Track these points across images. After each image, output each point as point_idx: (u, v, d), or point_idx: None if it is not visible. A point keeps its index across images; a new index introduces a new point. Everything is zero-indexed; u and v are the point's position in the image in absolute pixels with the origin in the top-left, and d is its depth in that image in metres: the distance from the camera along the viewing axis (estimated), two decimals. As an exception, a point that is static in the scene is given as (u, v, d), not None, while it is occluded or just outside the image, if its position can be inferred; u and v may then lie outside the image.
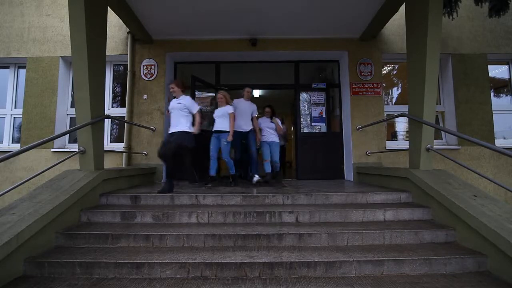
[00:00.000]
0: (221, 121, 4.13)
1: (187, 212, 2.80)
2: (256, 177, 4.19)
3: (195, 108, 3.70)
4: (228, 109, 4.14)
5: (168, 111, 3.81)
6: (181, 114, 3.62)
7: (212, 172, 4.15)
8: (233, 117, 4.11)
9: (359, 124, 5.03)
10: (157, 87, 5.13)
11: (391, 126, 5.76)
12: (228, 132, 4.07)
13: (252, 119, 4.50)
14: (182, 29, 4.87)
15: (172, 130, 3.65)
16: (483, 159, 5.03)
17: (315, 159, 5.41)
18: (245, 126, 4.40)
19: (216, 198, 3.18)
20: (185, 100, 3.70)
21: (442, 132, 5.35)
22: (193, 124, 3.74)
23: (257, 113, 4.61)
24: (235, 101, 4.43)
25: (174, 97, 3.79)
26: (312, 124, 5.61)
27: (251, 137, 4.44)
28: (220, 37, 5.13)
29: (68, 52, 5.03)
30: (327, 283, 1.98)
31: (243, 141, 4.54)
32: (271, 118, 4.71)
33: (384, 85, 5.39)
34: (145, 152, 4.99)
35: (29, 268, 2.14)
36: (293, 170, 6.92)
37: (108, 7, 3.88)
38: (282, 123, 5.55)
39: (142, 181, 4.44)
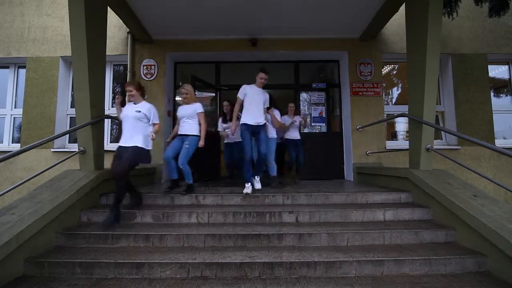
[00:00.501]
0: (188, 123, 3.44)
1: (187, 212, 2.80)
2: (248, 188, 3.38)
3: (157, 118, 3.07)
4: (197, 107, 3.49)
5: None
6: (139, 125, 2.94)
7: (174, 176, 3.48)
8: (204, 117, 3.51)
9: (359, 124, 5.03)
10: (157, 87, 5.13)
11: (391, 126, 5.76)
12: (197, 136, 3.41)
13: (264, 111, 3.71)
14: (182, 29, 4.87)
15: (125, 143, 2.89)
16: (483, 159, 5.03)
17: (315, 159, 5.41)
18: (259, 118, 3.57)
19: (216, 198, 3.18)
20: (145, 107, 2.99)
21: (442, 132, 5.35)
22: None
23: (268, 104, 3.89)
24: (245, 86, 3.66)
25: (131, 101, 3.08)
26: (312, 124, 5.62)
27: (263, 134, 3.63)
28: (220, 37, 5.13)
29: (68, 52, 5.03)
30: (327, 283, 1.98)
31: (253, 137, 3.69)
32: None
33: (384, 85, 5.39)
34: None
35: (29, 268, 2.14)
36: (292, 171, 6.89)
37: (108, 7, 3.87)
38: (297, 113, 4.81)
39: (142, 181, 4.44)
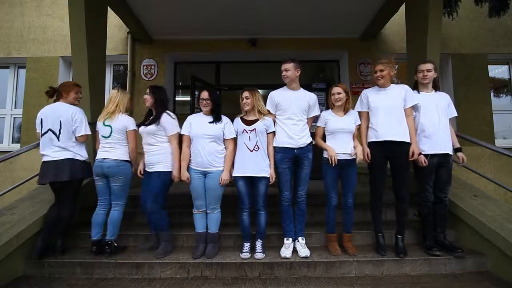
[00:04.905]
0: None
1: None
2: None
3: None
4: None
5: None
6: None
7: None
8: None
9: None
10: (157, 87, 5.13)
11: (391, 126, 5.75)
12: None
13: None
14: (182, 29, 4.87)
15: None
16: (483, 159, 5.02)
17: (314, 160, 5.39)
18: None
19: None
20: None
21: (442, 132, 5.35)
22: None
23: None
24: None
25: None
26: (312, 124, 5.59)
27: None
28: (220, 37, 5.12)
29: (68, 52, 5.01)
30: (327, 283, 1.98)
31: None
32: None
33: (384, 85, 5.37)
34: (145, 152, 4.98)
35: (29, 268, 2.14)
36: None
37: (108, 7, 3.88)
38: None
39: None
